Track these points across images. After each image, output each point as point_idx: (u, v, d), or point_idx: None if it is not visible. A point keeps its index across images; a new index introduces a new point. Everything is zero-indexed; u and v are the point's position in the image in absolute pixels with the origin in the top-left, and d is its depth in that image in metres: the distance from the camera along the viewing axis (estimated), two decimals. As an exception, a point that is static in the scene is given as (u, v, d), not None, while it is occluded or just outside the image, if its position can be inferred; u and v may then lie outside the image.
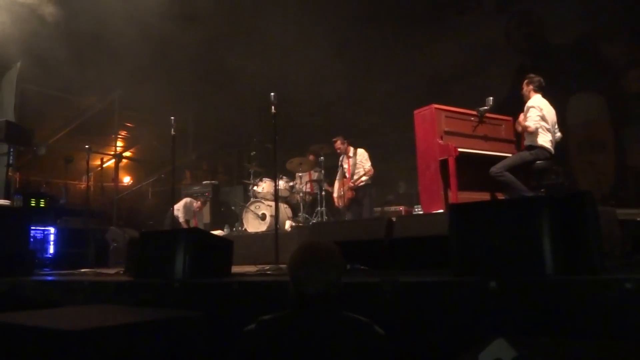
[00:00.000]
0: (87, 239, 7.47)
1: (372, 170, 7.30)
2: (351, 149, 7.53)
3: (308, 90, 8.21)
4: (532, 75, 5.43)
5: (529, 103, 5.25)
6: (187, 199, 8.97)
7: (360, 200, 7.21)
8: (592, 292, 1.99)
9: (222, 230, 8.18)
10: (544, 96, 5.31)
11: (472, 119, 5.54)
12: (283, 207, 7.86)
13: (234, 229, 8.24)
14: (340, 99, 9.03)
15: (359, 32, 8.54)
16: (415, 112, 5.57)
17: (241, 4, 8.44)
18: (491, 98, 5.49)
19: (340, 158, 7.66)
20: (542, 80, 5.35)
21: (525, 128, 5.15)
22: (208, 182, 9.99)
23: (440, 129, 5.30)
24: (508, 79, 7.63)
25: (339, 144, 7.56)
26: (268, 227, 7.44)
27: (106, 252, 7.44)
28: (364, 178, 7.22)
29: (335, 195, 7.68)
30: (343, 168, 7.59)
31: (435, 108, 5.35)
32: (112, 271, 5.29)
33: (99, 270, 5.51)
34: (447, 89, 8.35)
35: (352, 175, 7.35)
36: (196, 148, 12.11)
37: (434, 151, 5.24)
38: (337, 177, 7.74)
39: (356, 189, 7.21)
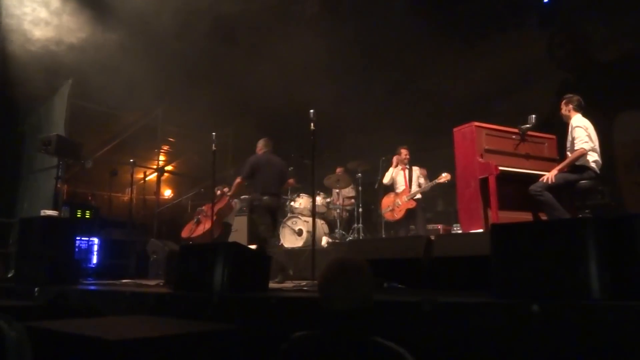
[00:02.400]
0: (129, 251, 7.69)
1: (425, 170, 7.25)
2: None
3: (346, 107, 8.24)
4: (570, 95, 5.28)
5: (574, 122, 5.10)
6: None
7: (419, 211, 7.12)
8: (642, 319, 1.89)
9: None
10: (585, 115, 5.17)
11: (514, 137, 5.44)
12: (320, 223, 7.88)
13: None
14: (378, 116, 9.01)
15: (398, 49, 8.53)
16: (455, 129, 5.51)
17: (279, 22, 8.61)
18: (534, 116, 5.37)
19: (393, 172, 7.45)
20: (581, 99, 5.21)
21: (579, 153, 4.95)
22: (246, 196, 10.08)
23: (481, 147, 5.22)
24: (551, 96, 7.44)
25: (407, 153, 7.44)
26: (304, 242, 7.47)
27: (146, 264, 7.63)
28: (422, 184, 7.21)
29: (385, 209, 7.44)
30: (396, 180, 7.40)
31: (476, 126, 5.27)
32: (152, 282, 5.42)
33: (139, 281, 5.65)
34: (488, 107, 8.20)
35: (410, 185, 7.24)
36: (235, 163, 12.29)
37: (474, 169, 5.16)
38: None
39: (416, 200, 7.12)
